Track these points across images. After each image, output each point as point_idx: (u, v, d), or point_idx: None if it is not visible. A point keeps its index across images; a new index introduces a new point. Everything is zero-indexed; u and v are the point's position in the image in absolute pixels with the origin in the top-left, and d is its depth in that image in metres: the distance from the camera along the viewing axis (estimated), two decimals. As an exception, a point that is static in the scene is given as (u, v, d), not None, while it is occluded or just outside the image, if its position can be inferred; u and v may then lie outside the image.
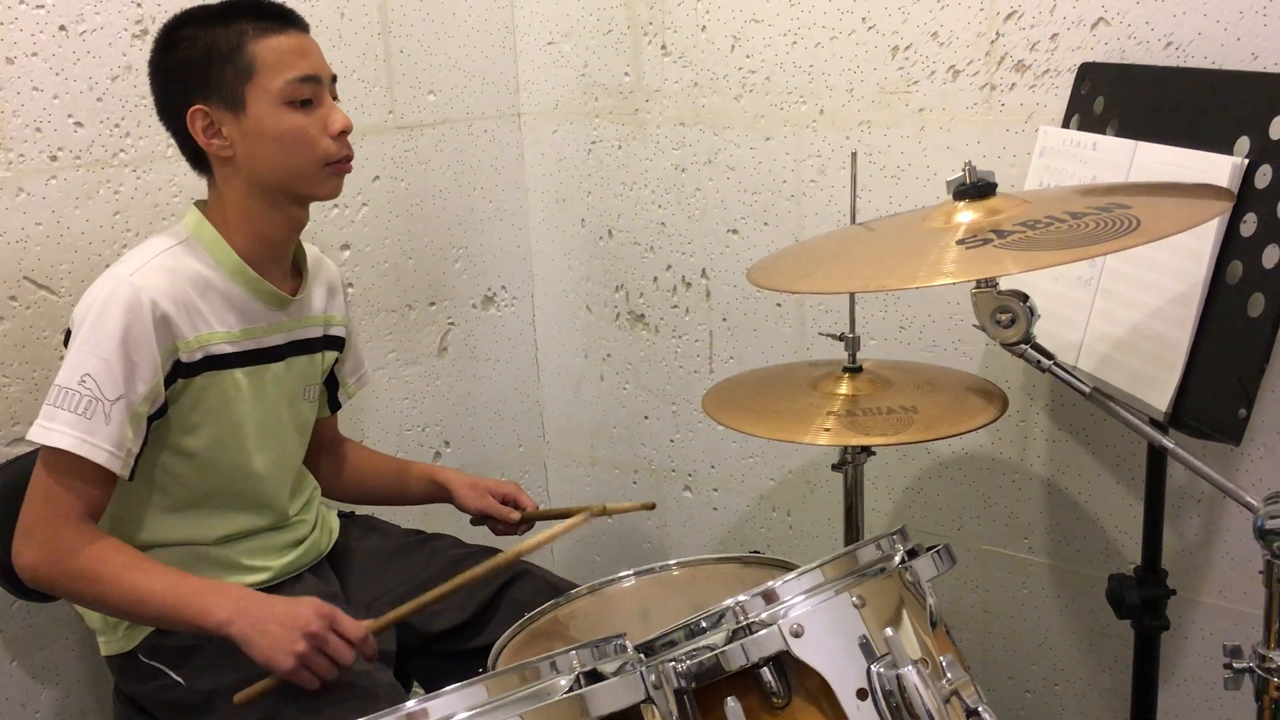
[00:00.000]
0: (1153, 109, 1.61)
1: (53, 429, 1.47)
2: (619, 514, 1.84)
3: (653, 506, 1.83)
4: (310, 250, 1.76)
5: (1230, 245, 1.41)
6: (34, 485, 1.50)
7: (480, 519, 1.88)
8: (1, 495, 1.65)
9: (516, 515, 1.85)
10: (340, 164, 1.60)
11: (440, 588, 1.55)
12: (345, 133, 1.60)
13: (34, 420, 1.49)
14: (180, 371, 1.54)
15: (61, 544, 1.48)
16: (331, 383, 1.87)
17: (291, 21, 1.59)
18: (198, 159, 1.62)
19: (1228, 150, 1.44)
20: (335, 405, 1.90)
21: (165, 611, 1.48)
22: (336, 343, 1.81)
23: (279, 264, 1.67)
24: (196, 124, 1.55)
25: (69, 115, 1.82)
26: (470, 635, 1.73)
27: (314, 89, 1.58)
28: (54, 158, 1.81)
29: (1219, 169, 1.42)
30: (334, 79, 1.62)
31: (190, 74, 1.54)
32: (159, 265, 1.55)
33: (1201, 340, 1.42)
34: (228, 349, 1.59)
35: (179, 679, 1.57)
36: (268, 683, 1.46)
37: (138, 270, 1.53)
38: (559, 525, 1.62)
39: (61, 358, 1.53)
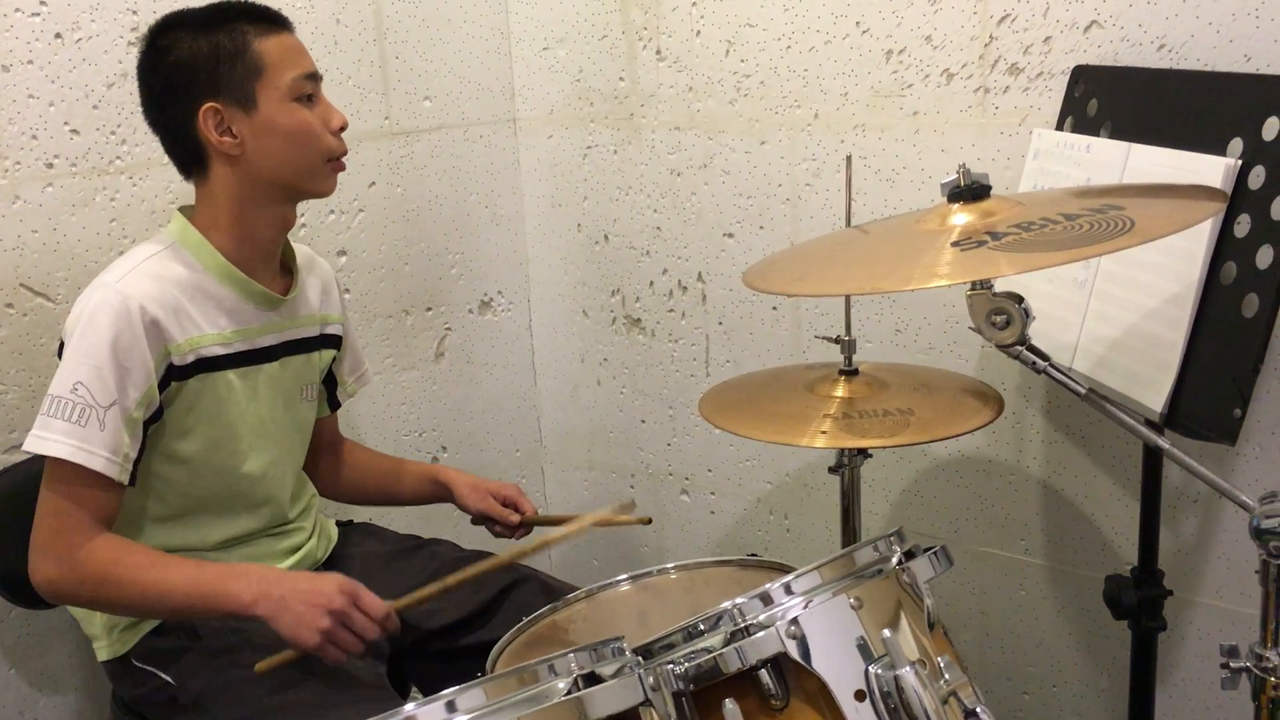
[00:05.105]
0: (1146, 111, 1.62)
1: (48, 438, 1.47)
2: (617, 525, 1.83)
3: (649, 521, 1.82)
4: (300, 250, 1.76)
5: (1224, 246, 1.42)
6: (41, 500, 1.50)
7: (480, 520, 1.88)
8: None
9: (516, 518, 1.85)
10: (339, 160, 1.63)
11: (463, 571, 1.58)
12: (343, 129, 1.62)
13: (31, 429, 1.49)
14: (173, 375, 1.55)
15: (75, 553, 1.48)
16: (330, 382, 1.87)
17: (283, 22, 1.61)
18: (188, 161, 1.61)
19: (1221, 151, 1.44)
20: (335, 404, 1.90)
21: (189, 602, 1.49)
22: (334, 341, 1.81)
23: (267, 264, 1.67)
24: (209, 122, 1.55)
25: (65, 123, 1.83)
26: (467, 632, 1.74)
27: (314, 86, 1.60)
28: (50, 165, 1.82)
29: (1212, 170, 1.42)
30: (320, 79, 1.64)
31: (196, 74, 1.54)
32: (144, 271, 1.55)
33: (1196, 341, 1.43)
34: (219, 350, 1.59)
35: (169, 679, 1.58)
36: (288, 654, 1.47)
37: (124, 277, 1.53)
38: (572, 525, 1.65)
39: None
